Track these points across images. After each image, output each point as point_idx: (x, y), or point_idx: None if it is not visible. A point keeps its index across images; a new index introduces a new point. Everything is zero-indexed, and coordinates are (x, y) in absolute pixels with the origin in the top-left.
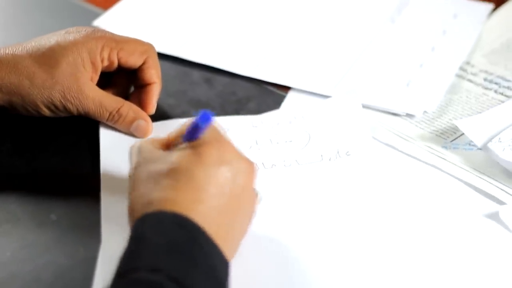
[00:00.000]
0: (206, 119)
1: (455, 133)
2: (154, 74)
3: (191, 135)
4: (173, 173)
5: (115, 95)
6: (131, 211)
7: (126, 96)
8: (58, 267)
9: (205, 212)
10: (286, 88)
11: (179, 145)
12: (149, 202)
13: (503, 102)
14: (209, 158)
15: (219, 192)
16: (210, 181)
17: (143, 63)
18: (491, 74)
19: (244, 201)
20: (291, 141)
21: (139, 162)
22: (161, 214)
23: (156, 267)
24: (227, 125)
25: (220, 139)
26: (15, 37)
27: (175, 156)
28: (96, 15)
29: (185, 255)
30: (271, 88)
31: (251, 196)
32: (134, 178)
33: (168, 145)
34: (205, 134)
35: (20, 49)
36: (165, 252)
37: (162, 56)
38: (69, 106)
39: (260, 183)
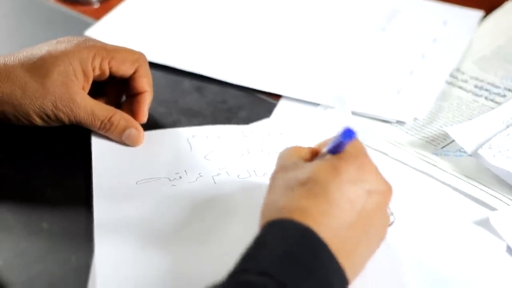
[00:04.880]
0: (348, 136)
1: (445, 139)
2: (145, 83)
3: (334, 148)
4: (308, 183)
5: (106, 104)
6: (263, 214)
7: (117, 105)
8: (51, 276)
9: (333, 226)
10: (277, 96)
11: (322, 156)
12: (280, 208)
13: (493, 108)
14: (346, 174)
15: (350, 208)
16: (343, 196)
17: (134, 72)
18: (481, 81)
19: (374, 221)
20: None
21: (279, 168)
22: (287, 223)
23: (266, 271)
24: (218, 133)
25: (362, 158)
26: (7, 47)
27: (314, 167)
28: (88, 25)
29: (301, 266)
30: (262, 96)
31: (383, 218)
32: (271, 183)
33: (312, 155)
34: (348, 150)
35: (12, 59)
36: (280, 260)
37: (153, 65)
38: (61, 115)
39: (252, 191)
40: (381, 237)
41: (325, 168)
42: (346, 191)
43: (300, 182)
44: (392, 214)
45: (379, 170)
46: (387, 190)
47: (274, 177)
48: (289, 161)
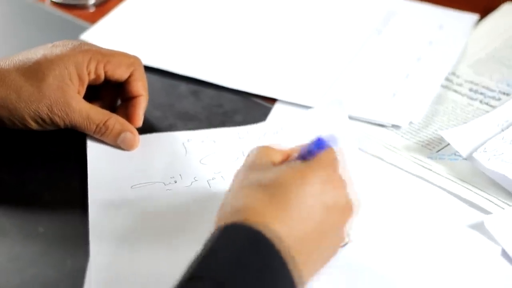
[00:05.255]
0: (320, 146)
1: (440, 143)
2: (140, 87)
3: (305, 155)
4: (271, 186)
5: (102, 108)
6: (220, 213)
7: (113, 109)
8: (46, 279)
9: (291, 232)
10: (273, 100)
11: (292, 160)
12: (238, 209)
13: (488, 112)
14: (311, 183)
15: (310, 217)
16: (305, 204)
17: (130, 76)
18: (476, 84)
19: (329, 236)
20: None
21: (246, 167)
22: (242, 228)
23: (220, 280)
24: (213, 137)
25: (330, 170)
26: (2, 50)
27: (280, 171)
28: (83, 29)
29: (253, 274)
30: (258, 100)
31: (338, 235)
32: (235, 179)
33: (283, 159)
34: (320, 158)
35: (7, 63)
36: (233, 267)
37: (148, 69)
38: (56, 119)
39: None
40: (332, 254)
41: (290, 174)
42: (309, 200)
43: (263, 184)
44: (349, 235)
45: (347, 185)
46: (348, 209)
47: (238, 176)
48: (257, 161)
